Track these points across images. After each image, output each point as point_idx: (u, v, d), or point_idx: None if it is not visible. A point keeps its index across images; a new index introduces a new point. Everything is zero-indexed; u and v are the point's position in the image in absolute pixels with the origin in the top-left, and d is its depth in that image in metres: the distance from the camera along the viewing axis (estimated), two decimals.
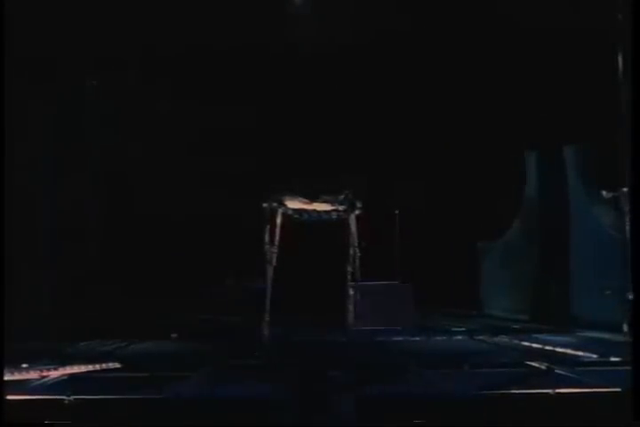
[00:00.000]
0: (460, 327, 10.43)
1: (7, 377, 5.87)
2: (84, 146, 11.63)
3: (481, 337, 9.30)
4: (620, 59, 9.23)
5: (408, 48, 11.81)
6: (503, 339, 9.04)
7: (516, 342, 8.71)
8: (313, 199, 10.03)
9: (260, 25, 11.26)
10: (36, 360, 6.74)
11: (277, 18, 11.37)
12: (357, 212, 9.99)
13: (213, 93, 12.30)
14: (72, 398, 5.27)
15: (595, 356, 7.24)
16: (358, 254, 9.87)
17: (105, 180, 12.21)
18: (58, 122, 11.02)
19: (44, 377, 6.22)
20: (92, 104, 11.81)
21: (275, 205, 9.84)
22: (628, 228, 8.95)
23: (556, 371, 6.36)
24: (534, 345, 8.28)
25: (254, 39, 11.48)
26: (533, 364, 6.70)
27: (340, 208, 10.06)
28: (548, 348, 7.99)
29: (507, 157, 12.16)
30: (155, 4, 10.92)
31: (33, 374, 6.27)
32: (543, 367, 6.54)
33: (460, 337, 9.47)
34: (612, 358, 6.91)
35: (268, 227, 9.81)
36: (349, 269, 9.93)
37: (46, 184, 10.89)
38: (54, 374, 6.33)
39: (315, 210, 10.04)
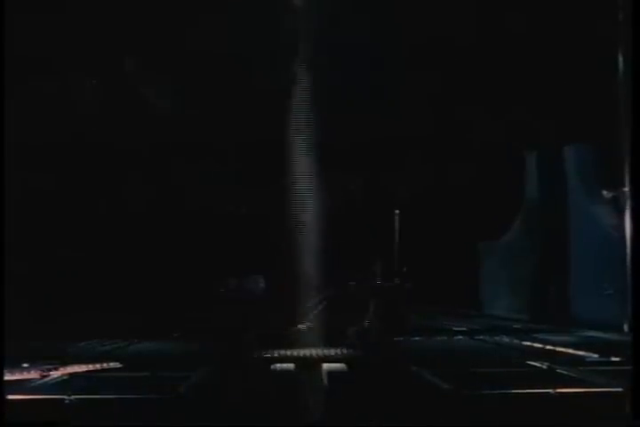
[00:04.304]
0: (461, 327, 10.43)
1: (7, 377, 5.87)
2: (83, 147, 11.64)
3: (481, 337, 9.30)
4: (620, 59, 9.24)
5: (406, 47, 11.80)
6: (503, 339, 9.04)
7: (517, 341, 8.70)
8: None
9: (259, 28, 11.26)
10: (36, 360, 6.74)
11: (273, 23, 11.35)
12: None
13: (212, 91, 12.29)
14: (72, 397, 5.27)
15: (595, 355, 7.23)
16: None
17: (104, 180, 12.20)
18: (57, 122, 11.03)
19: (44, 377, 6.22)
20: (92, 104, 11.82)
21: None
22: (627, 228, 8.98)
23: (557, 370, 6.36)
24: (535, 345, 8.28)
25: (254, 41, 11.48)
26: (534, 363, 6.70)
27: None
28: (548, 347, 7.99)
29: (507, 157, 12.16)
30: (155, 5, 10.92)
31: (33, 374, 6.27)
32: (544, 367, 6.54)
33: (460, 337, 9.47)
34: (613, 358, 6.90)
35: None
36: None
37: (46, 184, 10.90)
38: (55, 373, 6.33)
39: None
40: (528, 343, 8.44)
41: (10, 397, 5.31)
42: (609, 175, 9.84)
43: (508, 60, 11.29)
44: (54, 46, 10.68)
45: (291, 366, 6.77)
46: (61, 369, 6.45)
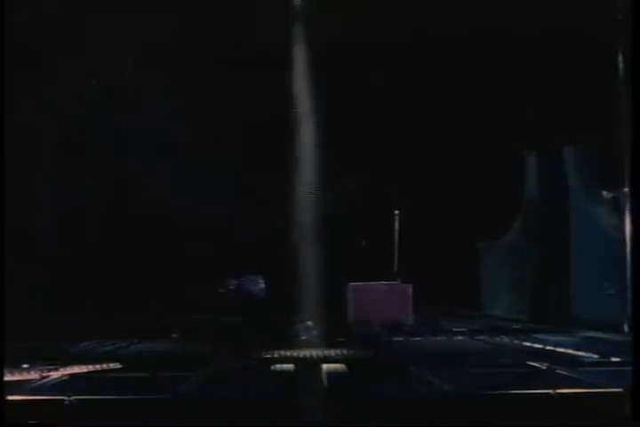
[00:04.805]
0: (461, 327, 10.43)
1: (7, 377, 5.87)
2: (83, 147, 11.64)
3: (481, 337, 9.30)
4: (620, 59, 9.24)
5: (408, 48, 11.80)
6: (503, 339, 9.04)
7: (517, 342, 8.70)
8: None
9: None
10: (35, 360, 6.73)
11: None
12: None
13: (213, 93, 12.29)
14: (72, 398, 5.26)
15: (595, 356, 7.23)
16: None
17: (104, 180, 12.20)
18: (57, 123, 11.03)
19: (44, 377, 6.22)
20: (92, 104, 11.82)
21: None
22: (627, 228, 8.97)
23: (557, 371, 6.36)
24: (535, 345, 8.28)
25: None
26: (534, 364, 6.70)
27: None
28: (548, 348, 7.99)
29: (507, 157, 12.16)
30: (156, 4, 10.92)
31: (33, 375, 6.27)
32: (544, 367, 6.53)
33: (460, 337, 9.47)
34: (613, 358, 6.90)
35: None
36: None
37: (45, 184, 10.90)
38: (54, 374, 6.33)
39: None
40: (528, 344, 8.44)
41: (10, 397, 5.30)
42: (609, 175, 9.83)
43: (508, 60, 11.29)
44: None
45: (291, 366, 6.77)
46: (61, 370, 6.44)
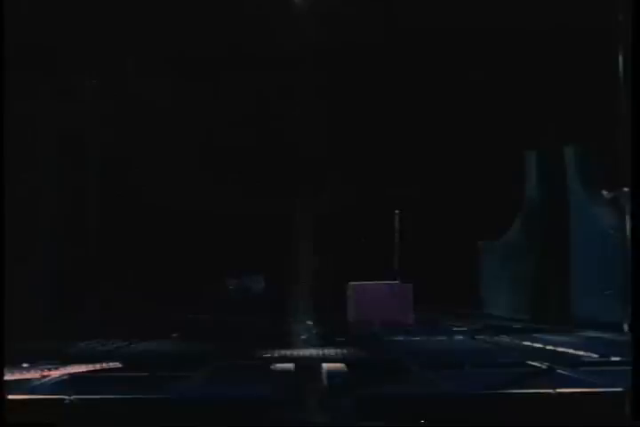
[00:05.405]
0: (461, 327, 10.43)
1: (7, 377, 5.86)
2: (83, 146, 11.65)
3: (481, 337, 9.30)
4: (620, 59, 9.24)
5: (407, 48, 11.81)
6: (503, 339, 9.04)
7: (517, 341, 8.71)
8: None
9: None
10: (36, 360, 6.74)
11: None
12: None
13: (214, 89, 12.29)
14: (73, 397, 5.26)
15: (595, 356, 7.23)
16: None
17: (104, 179, 12.20)
18: (58, 122, 11.03)
19: (44, 377, 6.22)
20: (92, 104, 11.83)
21: None
22: (628, 228, 8.97)
23: (557, 371, 6.35)
24: (535, 345, 8.28)
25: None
26: (534, 364, 6.70)
27: None
28: (548, 347, 7.99)
29: (507, 157, 12.17)
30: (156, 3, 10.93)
31: (33, 374, 6.27)
32: (544, 367, 6.53)
33: (460, 337, 9.47)
34: (613, 358, 6.90)
35: None
36: None
37: (46, 184, 10.90)
38: (55, 373, 6.32)
39: None
40: (528, 343, 8.45)
41: (10, 397, 5.30)
42: (609, 175, 9.84)
43: (509, 61, 11.30)
44: None
45: (291, 366, 6.77)
46: (61, 369, 6.44)
